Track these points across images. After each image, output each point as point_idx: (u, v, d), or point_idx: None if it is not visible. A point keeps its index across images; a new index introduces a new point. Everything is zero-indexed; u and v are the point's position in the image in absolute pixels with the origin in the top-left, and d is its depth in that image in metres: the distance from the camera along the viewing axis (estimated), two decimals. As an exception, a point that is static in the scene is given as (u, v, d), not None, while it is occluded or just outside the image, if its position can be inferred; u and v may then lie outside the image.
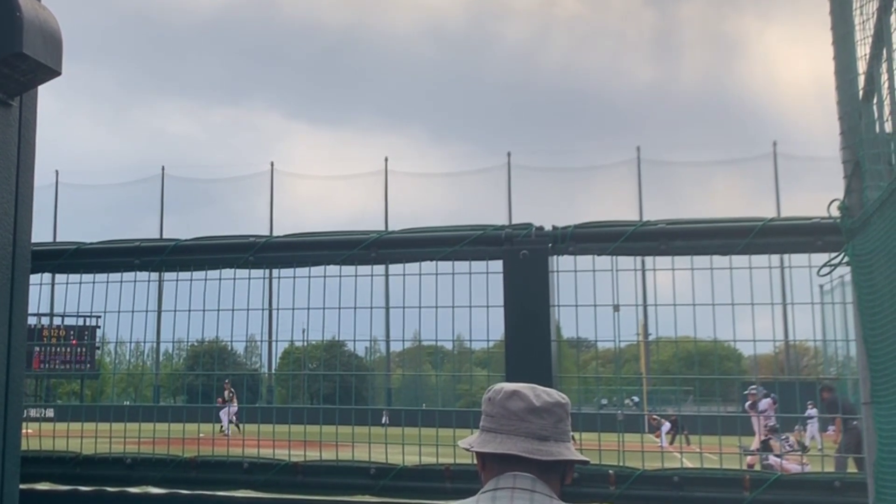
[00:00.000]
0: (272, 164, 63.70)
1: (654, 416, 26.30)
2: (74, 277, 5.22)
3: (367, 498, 4.67)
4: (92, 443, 5.07)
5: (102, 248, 5.28)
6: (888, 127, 3.47)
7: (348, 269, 4.84)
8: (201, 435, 5.22)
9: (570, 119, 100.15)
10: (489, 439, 2.38)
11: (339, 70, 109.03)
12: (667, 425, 28.57)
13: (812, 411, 17.08)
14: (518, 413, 2.36)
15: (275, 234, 5.22)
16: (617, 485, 4.33)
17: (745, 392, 18.24)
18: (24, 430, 4.55)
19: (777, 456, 13.25)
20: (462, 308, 4.60)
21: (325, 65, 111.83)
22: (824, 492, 4.15)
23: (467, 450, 2.45)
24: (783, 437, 17.52)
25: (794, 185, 57.74)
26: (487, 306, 4.57)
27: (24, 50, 3.86)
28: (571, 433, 2.43)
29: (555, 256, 4.55)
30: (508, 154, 60.98)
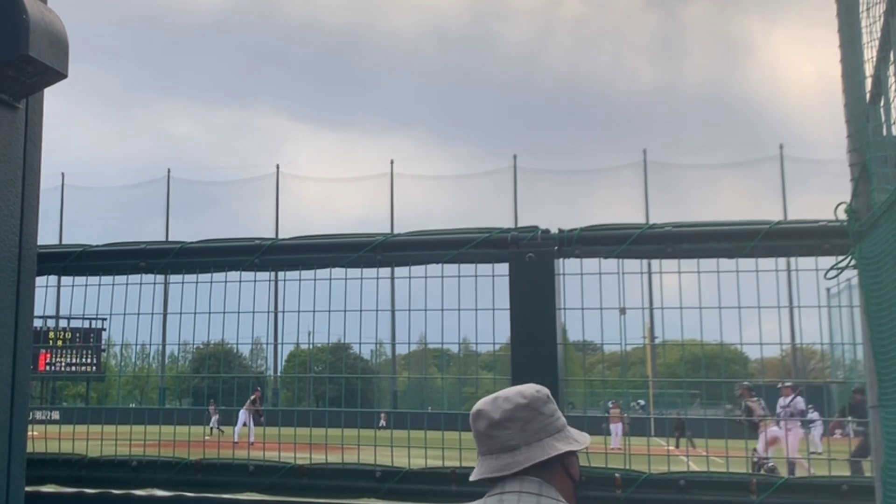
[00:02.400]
0: (277, 167, 63.84)
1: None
2: (80, 280, 5.23)
3: (372, 501, 4.67)
4: (97, 445, 5.07)
5: (108, 251, 5.28)
6: (895, 129, 3.46)
7: (354, 272, 4.84)
8: (207, 437, 5.22)
9: (575, 121, 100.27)
10: (478, 463, 2.43)
11: (343, 72, 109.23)
12: (619, 426, 26.80)
13: (813, 414, 17.09)
14: (484, 432, 2.38)
15: (280, 236, 5.22)
16: (623, 488, 4.32)
17: (781, 386, 18.35)
18: (29, 433, 4.56)
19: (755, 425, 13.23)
20: (468, 311, 4.59)
21: (328, 67, 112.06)
22: (832, 495, 4.14)
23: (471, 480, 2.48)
24: (757, 398, 17.66)
25: (801, 188, 57.68)
26: (493, 309, 4.56)
27: (30, 52, 3.86)
28: (554, 423, 2.37)
29: (561, 259, 4.54)
30: (514, 156, 61.03)
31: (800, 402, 18.14)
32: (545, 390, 2.44)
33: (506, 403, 2.37)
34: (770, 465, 13.45)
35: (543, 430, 2.35)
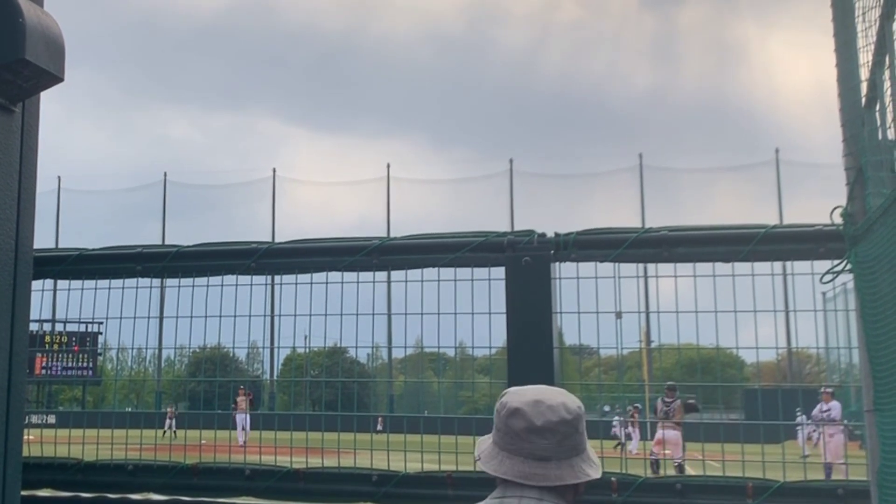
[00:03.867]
0: (274, 171, 63.78)
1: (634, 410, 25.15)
2: (76, 283, 5.23)
3: (368, 505, 4.68)
4: (93, 449, 5.07)
5: (104, 255, 5.28)
6: (891, 134, 3.48)
7: (350, 276, 4.85)
8: (203, 441, 5.22)
9: (572, 125, 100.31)
10: (494, 455, 2.36)
11: (340, 76, 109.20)
12: (636, 433, 26.41)
13: (801, 418, 17.16)
14: (519, 433, 2.31)
15: (277, 240, 5.22)
16: (619, 492, 4.32)
17: (822, 391, 18.63)
18: (25, 437, 4.55)
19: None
20: (464, 315, 4.60)
21: (325, 71, 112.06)
22: (828, 499, 4.15)
23: (477, 461, 2.42)
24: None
25: (797, 192, 57.74)
26: (490, 313, 4.57)
27: (26, 56, 3.87)
28: (583, 441, 2.35)
29: (557, 263, 4.55)
30: (511, 160, 61.01)
31: (836, 408, 18.26)
32: (582, 405, 2.39)
33: (549, 413, 2.31)
34: (653, 458, 13.53)
35: (575, 449, 2.33)
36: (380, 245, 4.82)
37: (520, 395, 2.38)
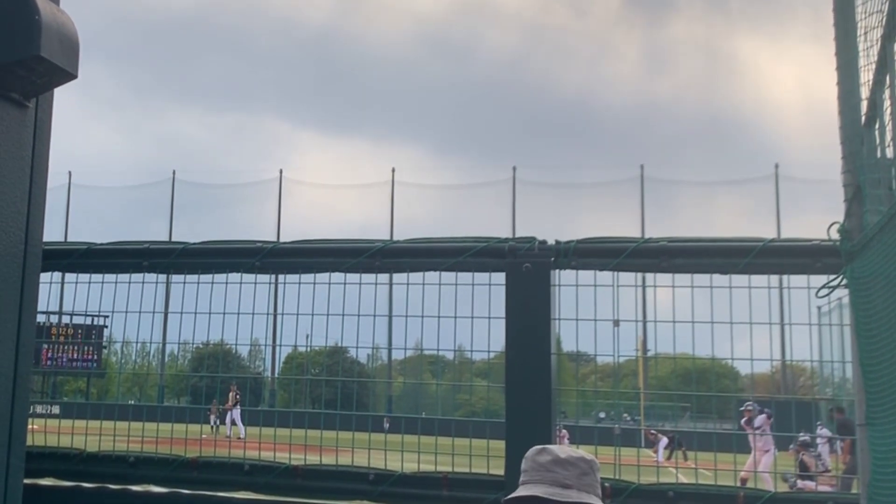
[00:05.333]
0: (280, 172, 63.81)
1: (652, 431, 26.36)
2: (84, 277, 5.28)
3: (365, 503, 4.72)
4: (96, 440, 5.13)
5: (112, 249, 5.33)
6: (889, 152, 3.51)
7: (353, 277, 4.89)
8: (203, 436, 5.27)
9: (573, 135, 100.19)
10: (520, 489, 2.61)
11: (349, 82, 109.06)
12: (664, 440, 28.49)
13: (823, 431, 17.09)
14: (545, 464, 2.60)
15: (281, 240, 5.27)
16: (612, 498, 4.37)
17: (741, 409, 18.52)
18: (29, 426, 4.60)
19: (810, 479, 13.21)
20: (464, 318, 4.64)
21: (336, 76, 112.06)
22: (817, 511, 4.19)
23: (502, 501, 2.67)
24: (816, 453, 17.56)
25: (795, 207, 57.40)
26: (489, 317, 4.60)
27: (41, 53, 3.91)
28: (599, 490, 2.62)
29: (557, 270, 4.59)
30: (514, 168, 60.94)
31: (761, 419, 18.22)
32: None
33: (571, 451, 2.65)
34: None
35: (593, 489, 2.60)
36: (382, 248, 4.87)
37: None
